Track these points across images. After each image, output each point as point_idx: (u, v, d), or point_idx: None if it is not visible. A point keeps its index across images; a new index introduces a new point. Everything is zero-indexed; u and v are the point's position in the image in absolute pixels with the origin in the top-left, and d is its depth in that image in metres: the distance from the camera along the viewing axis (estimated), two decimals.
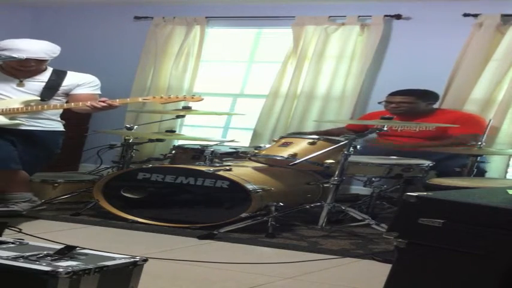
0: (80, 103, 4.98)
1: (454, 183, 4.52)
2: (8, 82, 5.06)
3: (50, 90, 5.06)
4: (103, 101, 4.94)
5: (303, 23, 6.78)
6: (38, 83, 5.07)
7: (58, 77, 5.11)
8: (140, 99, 5.33)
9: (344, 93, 6.56)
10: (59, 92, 5.09)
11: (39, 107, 4.99)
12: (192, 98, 5.12)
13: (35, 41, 5.07)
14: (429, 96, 5.92)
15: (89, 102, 4.94)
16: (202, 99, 5.05)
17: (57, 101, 5.09)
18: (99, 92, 5.17)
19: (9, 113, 4.94)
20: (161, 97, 5.09)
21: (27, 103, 4.97)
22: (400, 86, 5.99)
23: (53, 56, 5.05)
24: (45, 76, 5.09)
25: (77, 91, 5.11)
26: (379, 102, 5.95)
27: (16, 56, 4.85)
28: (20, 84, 5.06)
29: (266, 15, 6.98)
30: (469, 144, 5.43)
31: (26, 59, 4.84)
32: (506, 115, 5.93)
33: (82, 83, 5.12)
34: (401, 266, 2.62)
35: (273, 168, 5.15)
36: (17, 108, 4.94)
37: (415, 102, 5.83)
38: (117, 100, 4.97)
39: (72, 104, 5.05)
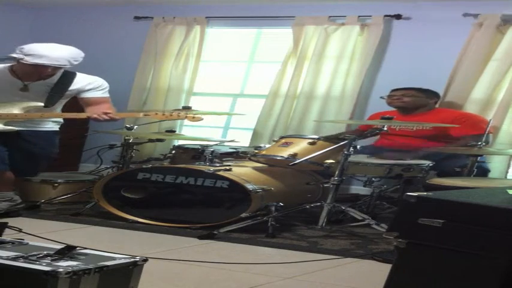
0: (90, 112, 4.94)
1: (454, 183, 4.52)
2: (14, 85, 4.95)
3: (55, 96, 4.97)
4: (106, 114, 4.88)
5: (303, 23, 6.78)
6: (45, 87, 4.97)
7: (66, 80, 5.00)
8: (141, 115, 5.22)
9: (344, 93, 6.56)
10: (64, 96, 5.02)
11: (40, 114, 4.92)
12: (193, 118, 5.01)
13: (58, 46, 4.92)
14: (431, 93, 5.95)
15: (94, 114, 4.89)
16: (202, 119, 5.00)
17: (60, 105, 5.06)
18: (108, 95, 5.11)
19: (6, 118, 4.87)
20: (163, 114, 5.00)
21: (28, 109, 4.90)
22: (400, 86, 6.01)
23: (74, 64, 4.91)
24: (54, 79, 4.98)
25: (87, 95, 5.02)
26: (381, 97, 5.98)
27: (40, 62, 4.76)
28: (24, 88, 4.94)
29: (266, 15, 6.98)
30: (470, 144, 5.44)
31: (43, 64, 4.78)
32: (506, 115, 5.93)
33: (91, 87, 5.03)
34: (401, 266, 2.63)
35: (273, 168, 5.15)
36: (15, 114, 4.87)
37: (417, 96, 5.87)
38: (118, 114, 4.98)
39: (71, 114, 5.05)
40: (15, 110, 4.88)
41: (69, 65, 4.91)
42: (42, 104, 4.94)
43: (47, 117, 5.01)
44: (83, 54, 4.96)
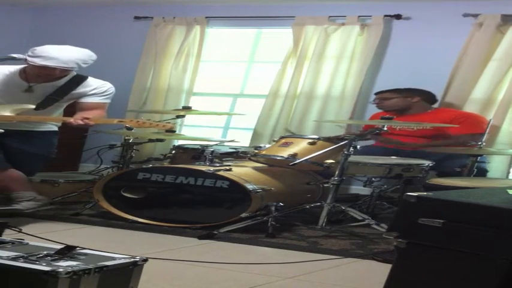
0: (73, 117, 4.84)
1: (454, 183, 4.52)
2: (19, 87, 4.88)
3: (51, 99, 4.90)
4: (83, 119, 4.73)
5: (303, 23, 6.78)
6: (50, 88, 4.89)
7: (74, 83, 4.92)
8: (115, 121, 5.16)
9: (344, 93, 6.56)
10: (63, 99, 4.96)
11: (26, 117, 4.79)
12: (164, 126, 4.93)
13: (70, 48, 4.84)
14: (409, 91, 5.93)
15: (70, 119, 4.76)
16: (173, 127, 5.03)
17: (57, 108, 5.02)
18: (109, 100, 5.02)
19: None
20: (137, 121, 4.93)
21: (19, 111, 4.79)
22: (400, 86, 6.02)
23: (83, 66, 4.83)
24: (60, 82, 4.90)
25: (86, 99, 4.95)
26: (370, 102, 6.03)
27: (46, 64, 4.71)
28: (28, 90, 4.87)
29: (266, 15, 6.98)
30: (469, 144, 5.44)
31: (49, 66, 4.75)
32: (506, 115, 5.94)
33: (94, 92, 4.96)
34: (401, 266, 2.62)
35: (273, 168, 5.15)
36: (5, 116, 4.72)
37: (390, 97, 5.92)
38: (93, 120, 4.83)
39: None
40: (6, 112, 4.77)
41: (78, 67, 4.83)
42: (34, 107, 4.84)
43: (32, 120, 4.90)
44: (94, 57, 4.88)
